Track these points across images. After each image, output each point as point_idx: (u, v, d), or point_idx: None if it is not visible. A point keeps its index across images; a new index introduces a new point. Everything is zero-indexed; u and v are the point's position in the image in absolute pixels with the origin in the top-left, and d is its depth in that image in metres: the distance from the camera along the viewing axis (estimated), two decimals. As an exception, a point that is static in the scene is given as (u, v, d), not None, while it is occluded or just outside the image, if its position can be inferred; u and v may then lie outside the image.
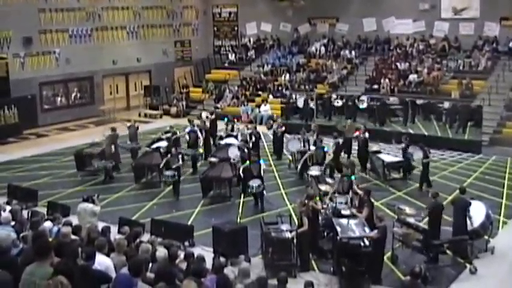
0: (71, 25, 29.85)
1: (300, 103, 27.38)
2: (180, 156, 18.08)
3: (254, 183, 16.49)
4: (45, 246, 7.03)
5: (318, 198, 14.04)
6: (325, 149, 19.14)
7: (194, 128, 20.99)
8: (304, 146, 19.88)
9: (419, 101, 25.93)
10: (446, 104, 25.24)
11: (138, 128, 22.32)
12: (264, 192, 16.75)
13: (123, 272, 7.81)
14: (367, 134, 19.84)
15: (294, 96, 28.37)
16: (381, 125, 25.50)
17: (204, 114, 24.16)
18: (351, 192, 14.56)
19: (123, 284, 7.60)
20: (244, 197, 17.25)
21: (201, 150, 20.92)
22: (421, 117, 25.78)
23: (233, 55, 35.69)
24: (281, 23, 34.69)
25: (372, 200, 13.75)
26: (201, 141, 20.91)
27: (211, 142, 22.54)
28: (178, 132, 21.54)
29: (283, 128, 22.22)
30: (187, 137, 20.90)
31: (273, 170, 20.30)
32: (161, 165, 18.02)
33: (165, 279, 7.60)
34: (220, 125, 23.55)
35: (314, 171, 17.98)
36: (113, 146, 20.22)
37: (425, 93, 27.04)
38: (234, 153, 18.79)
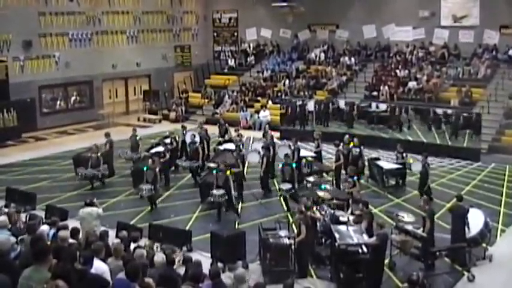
0: (71, 29, 29.88)
1: (311, 106, 27.37)
2: (158, 169, 17.28)
3: (217, 192, 16.02)
4: (43, 250, 7.01)
5: (314, 207, 14.00)
6: (294, 166, 17.51)
7: (195, 139, 20.34)
8: (293, 155, 18.95)
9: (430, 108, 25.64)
10: (449, 111, 25.13)
11: (140, 138, 21.68)
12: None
13: (122, 277, 7.80)
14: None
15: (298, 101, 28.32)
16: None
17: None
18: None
19: (121, 288, 7.58)
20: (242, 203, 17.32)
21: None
22: (419, 124, 25.71)
23: (233, 61, 35.73)
24: (281, 29, 34.75)
25: (370, 210, 13.73)
26: (200, 154, 19.98)
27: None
28: (177, 138, 21.41)
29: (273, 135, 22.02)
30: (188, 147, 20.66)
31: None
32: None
33: (168, 284, 7.59)
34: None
35: (312, 177, 17.91)
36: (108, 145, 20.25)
37: (424, 101, 27.06)
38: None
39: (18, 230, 10.97)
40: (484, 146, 23.42)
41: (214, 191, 16.04)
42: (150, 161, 17.51)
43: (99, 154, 19.39)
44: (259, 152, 19.48)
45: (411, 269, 11.64)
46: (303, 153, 20.11)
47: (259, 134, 24.97)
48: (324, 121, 27.12)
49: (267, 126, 23.38)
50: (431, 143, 23.81)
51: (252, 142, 23.82)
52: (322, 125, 26.79)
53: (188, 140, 20.86)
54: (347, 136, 20.11)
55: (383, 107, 26.54)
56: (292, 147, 19.57)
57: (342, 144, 19.22)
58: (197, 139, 20.47)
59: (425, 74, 28.44)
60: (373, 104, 27.00)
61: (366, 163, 19.84)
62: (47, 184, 19.61)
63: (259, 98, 31.09)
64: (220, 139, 22.56)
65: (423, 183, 17.25)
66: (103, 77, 31.62)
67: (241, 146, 20.16)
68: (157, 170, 17.22)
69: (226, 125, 23.74)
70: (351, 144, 19.32)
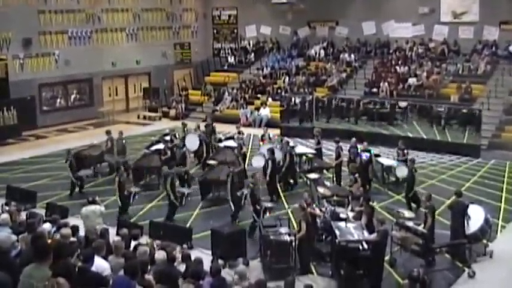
0: (71, 27, 29.85)
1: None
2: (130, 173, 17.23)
3: (184, 190, 16.20)
4: (44, 248, 7.01)
5: (315, 203, 14.02)
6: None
7: (181, 143, 20.05)
8: (284, 157, 18.36)
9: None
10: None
11: (127, 142, 21.33)
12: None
13: (122, 275, 7.81)
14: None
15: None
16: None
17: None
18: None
19: (122, 286, 7.59)
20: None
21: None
22: (420, 120, 25.64)
23: (232, 58, 35.68)
24: (281, 26, 34.72)
25: (372, 204, 13.71)
26: (188, 160, 19.53)
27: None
28: (177, 135, 21.33)
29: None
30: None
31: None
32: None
33: (168, 281, 7.60)
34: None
35: (313, 174, 17.90)
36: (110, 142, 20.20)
37: (424, 97, 27.05)
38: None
39: (19, 228, 10.98)
40: (484, 142, 23.42)
41: (181, 189, 16.14)
42: (122, 168, 17.06)
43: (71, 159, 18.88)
44: (264, 155, 18.55)
45: (412, 266, 11.67)
46: (302, 150, 20.09)
47: (258, 131, 24.90)
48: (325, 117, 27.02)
49: (265, 127, 23.05)
50: (431, 139, 23.83)
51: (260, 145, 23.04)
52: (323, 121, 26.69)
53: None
54: (354, 139, 19.16)
55: (403, 104, 26.15)
56: (285, 150, 18.66)
57: (349, 147, 18.81)
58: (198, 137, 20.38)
59: (425, 70, 28.43)
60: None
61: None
62: (47, 182, 19.64)
63: (259, 95, 31.05)
64: (221, 136, 22.47)
65: (410, 189, 16.28)
66: (103, 75, 31.60)
67: (242, 144, 20.12)
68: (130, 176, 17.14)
69: (213, 124, 22.71)
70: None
